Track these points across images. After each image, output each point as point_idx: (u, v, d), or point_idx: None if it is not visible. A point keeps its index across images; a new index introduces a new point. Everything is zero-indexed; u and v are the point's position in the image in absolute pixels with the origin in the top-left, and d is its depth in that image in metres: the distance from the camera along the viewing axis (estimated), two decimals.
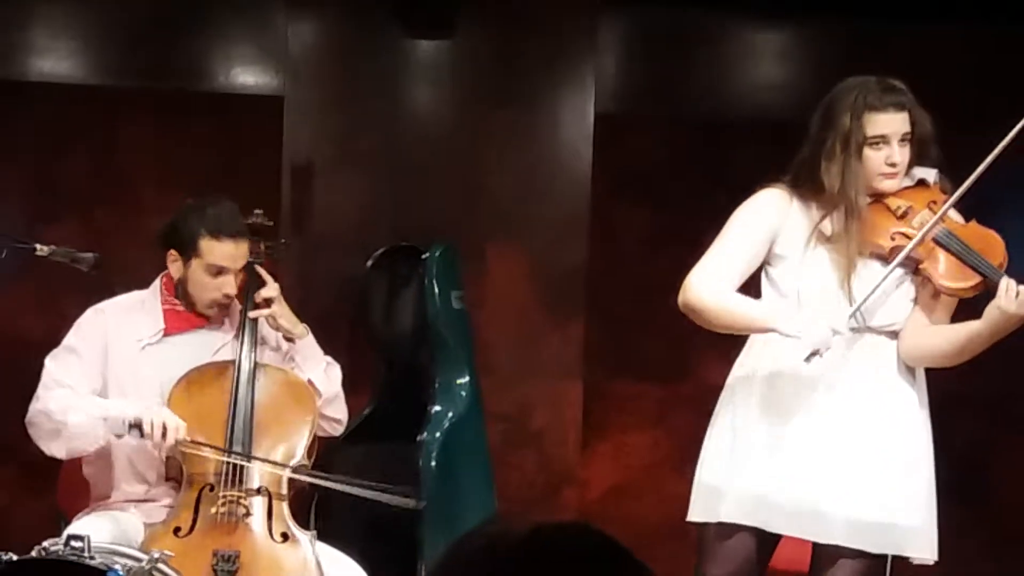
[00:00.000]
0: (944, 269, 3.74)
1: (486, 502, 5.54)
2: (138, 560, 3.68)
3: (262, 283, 4.31)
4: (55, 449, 4.18)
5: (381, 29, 5.88)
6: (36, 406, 4.18)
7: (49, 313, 5.48)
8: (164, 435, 4.02)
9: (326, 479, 4.24)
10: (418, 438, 5.44)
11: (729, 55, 6.14)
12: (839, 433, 3.76)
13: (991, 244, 3.76)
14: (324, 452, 4.59)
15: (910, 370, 3.84)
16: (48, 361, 4.23)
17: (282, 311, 4.30)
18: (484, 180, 5.91)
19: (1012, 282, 3.65)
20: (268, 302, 4.28)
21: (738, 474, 3.81)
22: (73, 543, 3.57)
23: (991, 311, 3.66)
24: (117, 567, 3.56)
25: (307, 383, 4.28)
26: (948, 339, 3.77)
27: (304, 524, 4.20)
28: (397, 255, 5.74)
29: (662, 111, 6.07)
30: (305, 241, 5.77)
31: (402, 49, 5.96)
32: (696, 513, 3.89)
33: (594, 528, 1.75)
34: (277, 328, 4.31)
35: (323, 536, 4.16)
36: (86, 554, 3.56)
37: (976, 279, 3.71)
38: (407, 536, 5.31)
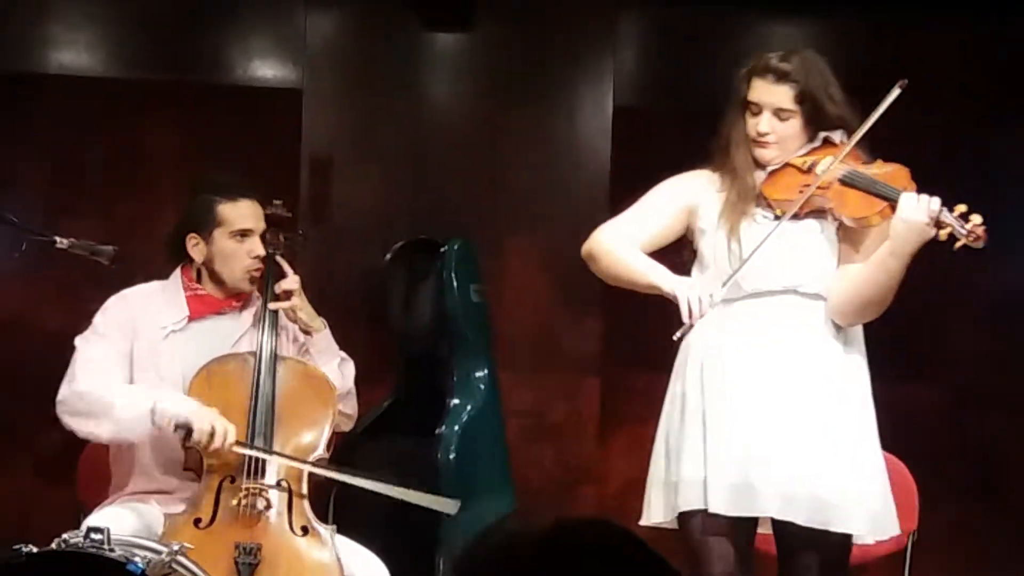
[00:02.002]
0: (850, 204, 3.74)
1: (504, 495, 5.54)
2: (158, 552, 3.69)
3: (283, 274, 4.32)
4: (99, 429, 4.12)
5: (400, 22, 5.89)
6: (72, 387, 4.15)
7: (69, 306, 5.49)
8: (212, 439, 4.02)
9: (357, 476, 4.24)
10: (436, 431, 5.44)
11: (748, 49, 6.10)
12: (767, 406, 3.71)
13: (895, 173, 3.76)
14: (342, 445, 4.60)
15: (840, 335, 3.78)
16: (79, 342, 4.21)
17: (302, 304, 4.31)
18: (503, 174, 5.91)
19: (913, 194, 3.64)
20: (289, 294, 4.29)
21: (682, 462, 3.78)
22: (93, 535, 3.58)
23: (895, 224, 3.65)
24: (137, 559, 3.56)
25: (326, 375, 4.29)
26: (862, 276, 3.73)
27: (322, 517, 4.20)
28: (416, 248, 5.74)
29: (681, 106, 6.06)
30: (324, 234, 5.77)
31: (421, 43, 5.96)
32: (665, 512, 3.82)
33: (615, 523, 1.75)
34: (295, 321, 4.31)
35: (341, 529, 4.16)
36: (106, 546, 3.56)
37: (881, 204, 3.71)
38: (425, 529, 5.32)
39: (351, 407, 4.39)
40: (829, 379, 3.75)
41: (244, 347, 4.28)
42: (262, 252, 4.25)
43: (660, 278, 3.77)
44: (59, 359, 4.29)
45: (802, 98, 3.78)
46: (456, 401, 5.53)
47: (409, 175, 5.91)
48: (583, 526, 1.73)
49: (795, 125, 3.79)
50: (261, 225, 4.27)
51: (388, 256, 5.74)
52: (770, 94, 3.78)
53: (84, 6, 5.96)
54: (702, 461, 3.73)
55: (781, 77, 3.78)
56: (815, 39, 6.11)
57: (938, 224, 3.62)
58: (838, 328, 3.78)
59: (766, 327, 3.75)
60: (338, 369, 4.34)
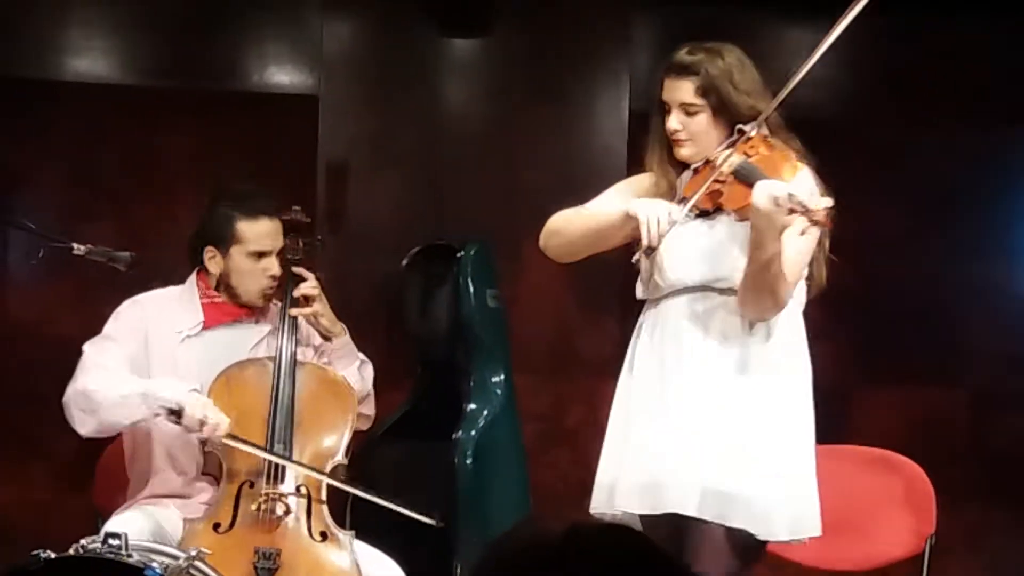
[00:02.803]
0: (734, 196, 3.67)
1: (521, 500, 5.54)
2: (175, 558, 3.70)
3: (302, 280, 4.32)
4: (88, 425, 4.11)
5: (416, 28, 5.89)
6: (74, 387, 4.15)
7: (86, 312, 5.48)
8: (202, 429, 4.02)
9: (357, 489, 4.23)
10: (454, 436, 5.44)
11: (763, 51, 6.10)
12: (673, 402, 3.69)
13: (775, 163, 3.67)
14: (361, 449, 4.60)
15: (759, 330, 3.72)
16: (86, 347, 4.22)
17: (323, 310, 4.31)
18: (519, 178, 5.91)
19: (767, 181, 3.55)
20: (309, 300, 4.29)
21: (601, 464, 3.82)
22: (111, 541, 3.58)
23: (751, 213, 3.56)
24: (155, 565, 3.57)
25: (346, 380, 4.30)
26: (744, 270, 3.66)
27: (340, 523, 4.21)
28: (432, 253, 5.74)
29: None
30: (341, 240, 5.78)
31: (437, 48, 5.97)
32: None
33: (631, 528, 1.75)
34: (316, 326, 4.32)
35: (359, 535, 4.16)
36: (123, 552, 3.57)
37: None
38: (442, 535, 5.32)
39: (369, 408, 4.41)
40: (736, 374, 3.70)
41: (262, 353, 4.29)
42: (278, 272, 4.25)
43: (626, 205, 3.74)
44: (76, 366, 4.29)
45: (704, 91, 3.74)
46: (473, 406, 5.53)
47: (426, 180, 5.91)
48: (599, 531, 1.73)
49: (704, 119, 3.76)
50: (279, 244, 4.26)
51: (405, 262, 5.75)
52: (675, 90, 3.77)
53: (100, 13, 5.97)
54: (615, 462, 3.76)
55: (682, 72, 3.76)
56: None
57: (790, 210, 3.52)
58: (757, 323, 3.72)
59: (680, 324, 3.75)
60: (358, 372, 4.35)
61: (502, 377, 5.60)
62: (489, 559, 1.77)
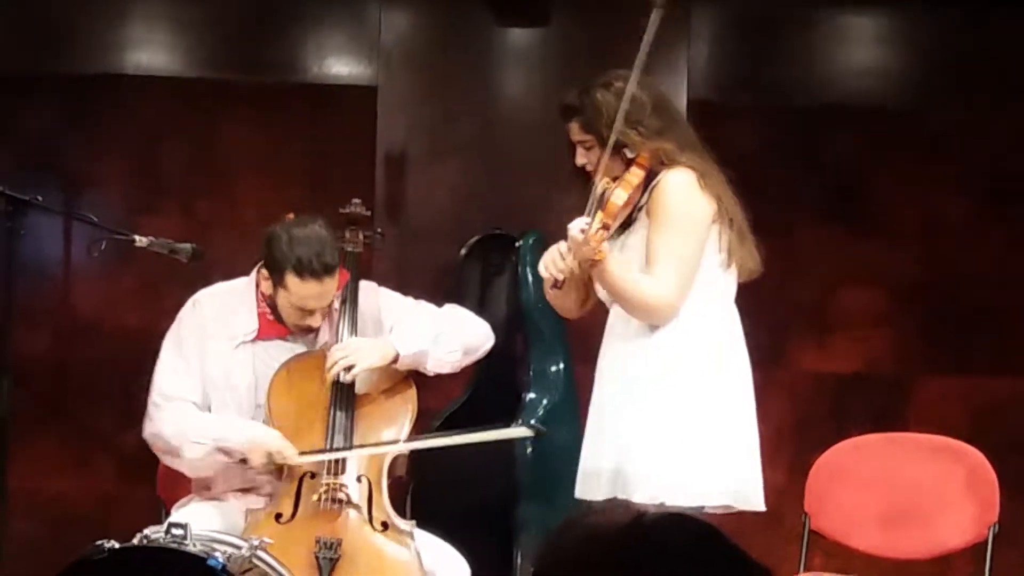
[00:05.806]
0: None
1: None
2: (238, 547, 3.71)
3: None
4: (178, 467, 4.24)
5: (474, 18, 5.89)
6: (150, 428, 4.21)
7: (148, 304, 5.54)
8: (271, 463, 4.07)
9: (440, 436, 4.30)
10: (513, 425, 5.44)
11: (823, 41, 6.09)
12: (598, 398, 4.08)
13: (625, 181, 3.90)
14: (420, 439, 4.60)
15: (641, 326, 3.98)
16: (156, 377, 4.24)
17: (367, 362, 4.19)
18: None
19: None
20: (349, 368, 4.22)
21: None
22: (174, 531, 3.60)
23: None
24: (217, 554, 3.58)
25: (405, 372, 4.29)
26: None
27: (400, 513, 4.21)
28: (490, 243, 5.74)
29: (756, 98, 6.03)
30: (399, 230, 5.79)
31: (495, 38, 5.97)
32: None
33: (695, 517, 1.75)
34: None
35: (420, 525, 4.17)
36: (186, 541, 3.59)
37: None
38: (503, 524, 5.33)
39: (477, 342, 4.50)
40: (622, 365, 4.02)
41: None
42: (318, 323, 4.20)
43: None
44: (139, 357, 4.32)
45: (584, 126, 4.01)
46: (532, 395, 5.54)
47: (483, 170, 5.91)
48: (664, 520, 1.73)
49: (598, 151, 3.97)
50: (326, 301, 4.17)
51: (463, 251, 5.75)
52: (570, 133, 4.06)
53: (161, 8, 6.01)
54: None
55: (566, 114, 4.06)
56: (889, 29, 6.07)
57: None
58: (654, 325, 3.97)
59: (608, 330, 4.10)
60: (435, 357, 4.32)
61: (561, 366, 5.60)
62: (552, 548, 1.77)
